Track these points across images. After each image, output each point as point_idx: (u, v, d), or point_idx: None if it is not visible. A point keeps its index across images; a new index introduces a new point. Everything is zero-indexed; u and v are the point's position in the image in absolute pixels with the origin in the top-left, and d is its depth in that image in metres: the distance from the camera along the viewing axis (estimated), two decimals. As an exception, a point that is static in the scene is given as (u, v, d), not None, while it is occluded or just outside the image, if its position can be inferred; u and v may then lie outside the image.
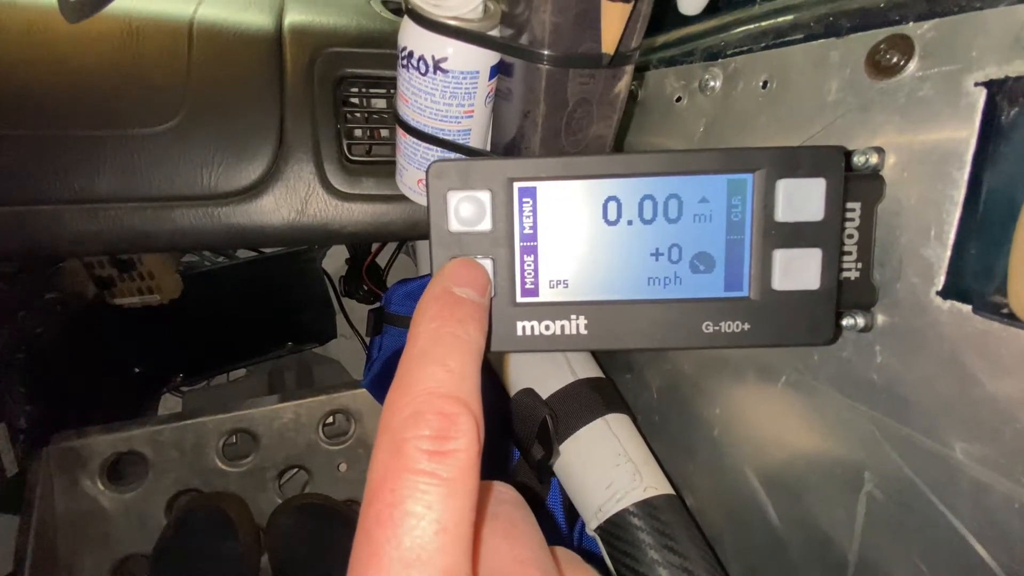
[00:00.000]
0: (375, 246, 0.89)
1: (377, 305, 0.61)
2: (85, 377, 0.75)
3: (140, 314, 0.77)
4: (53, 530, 0.60)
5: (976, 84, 0.20)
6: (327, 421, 0.71)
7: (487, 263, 0.23)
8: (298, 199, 0.42)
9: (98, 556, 0.64)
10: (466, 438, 0.15)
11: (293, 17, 0.44)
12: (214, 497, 0.65)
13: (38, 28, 0.40)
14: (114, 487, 0.64)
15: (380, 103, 0.47)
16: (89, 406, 0.73)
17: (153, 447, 0.65)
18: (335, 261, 0.95)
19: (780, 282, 0.22)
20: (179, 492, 0.67)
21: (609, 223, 0.23)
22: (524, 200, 0.23)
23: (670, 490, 0.37)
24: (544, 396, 0.42)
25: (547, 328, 0.23)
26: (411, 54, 0.31)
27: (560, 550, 0.18)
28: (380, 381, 0.61)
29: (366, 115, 0.47)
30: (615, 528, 0.36)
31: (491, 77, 0.32)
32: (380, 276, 0.90)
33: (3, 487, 0.60)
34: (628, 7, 0.27)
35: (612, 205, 0.23)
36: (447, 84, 0.31)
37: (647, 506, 0.35)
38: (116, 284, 0.75)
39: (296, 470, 0.73)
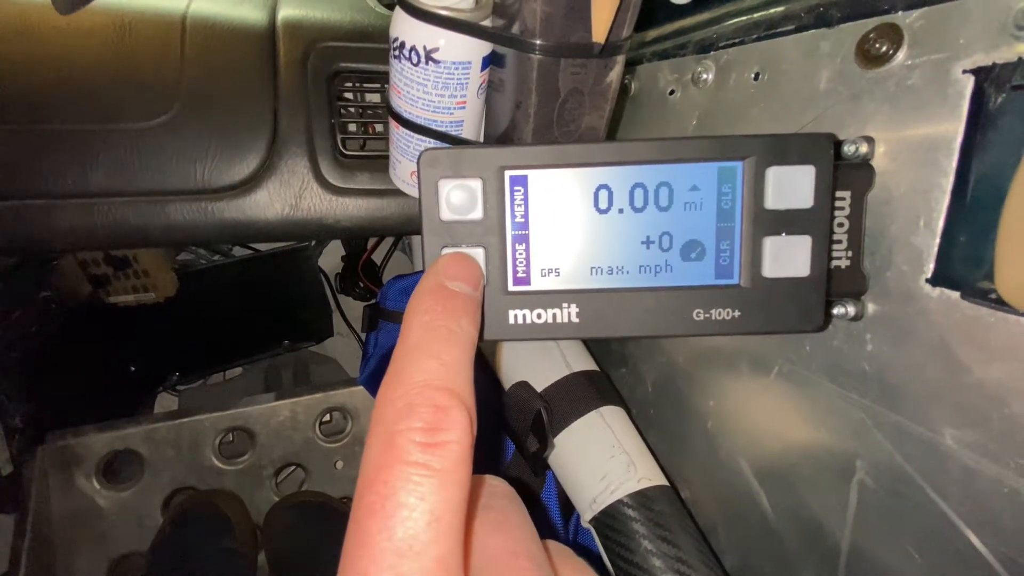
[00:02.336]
0: (371, 243, 0.89)
1: (373, 302, 0.61)
2: (80, 376, 0.75)
3: (135, 312, 0.77)
4: (49, 529, 0.60)
5: (964, 71, 0.20)
6: (324, 419, 0.71)
7: (479, 252, 0.22)
8: (292, 193, 0.42)
9: (94, 555, 0.64)
10: (459, 430, 0.15)
11: (287, 11, 0.44)
12: (210, 495, 0.65)
13: (30, 22, 0.39)
14: (110, 485, 0.64)
15: (374, 98, 0.47)
16: (85, 405, 0.73)
17: (149, 445, 0.65)
18: (331, 259, 0.95)
19: (770, 269, 0.22)
20: (175, 490, 0.67)
21: (600, 211, 0.23)
22: (515, 188, 0.23)
23: (664, 481, 0.37)
24: (539, 389, 0.42)
25: (539, 316, 0.23)
26: (403, 45, 0.31)
27: (552, 543, 0.18)
28: (376, 377, 0.61)
29: (360, 110, 0.47)
30: (610, 519, 0.36)
31: (483, 68, 0.32)
32: (376, 273, 0.90)
33: (-1, 486, 0.60)
34: (619, -3, 0.27)
35: (603, 193, 0.23)
36: (439, 75, 0.31)
37: (641, 497, 0.35)
38: (111, 282, 0.74)
39: (293, 468, 0.73)
